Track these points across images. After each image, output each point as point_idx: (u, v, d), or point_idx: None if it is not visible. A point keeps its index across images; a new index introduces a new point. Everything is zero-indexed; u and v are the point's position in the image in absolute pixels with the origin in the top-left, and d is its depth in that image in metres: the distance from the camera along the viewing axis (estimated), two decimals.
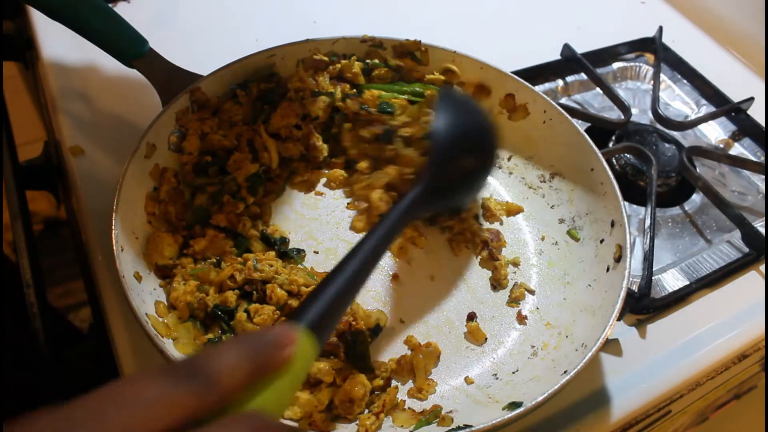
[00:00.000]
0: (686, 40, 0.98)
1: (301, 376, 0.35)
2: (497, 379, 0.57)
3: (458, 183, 0.61)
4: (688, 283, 0.69)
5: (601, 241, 0.64)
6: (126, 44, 0.63)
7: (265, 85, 0.69)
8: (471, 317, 0.61)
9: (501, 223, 0.69)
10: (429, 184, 0.57)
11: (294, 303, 0.57)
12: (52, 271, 1.33)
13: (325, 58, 0.71)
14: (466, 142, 0.61)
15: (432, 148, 0.59)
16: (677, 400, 0.62)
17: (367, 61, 0.73)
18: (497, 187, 0.73)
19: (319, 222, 0.67)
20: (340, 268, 0.43)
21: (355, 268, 0.43)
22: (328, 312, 0.39)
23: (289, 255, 0.62)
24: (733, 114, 0.89)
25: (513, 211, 0.70)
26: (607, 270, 0.61)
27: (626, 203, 0.70)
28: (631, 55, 0.95)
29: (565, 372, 0.51)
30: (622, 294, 0.55)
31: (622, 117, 0.83)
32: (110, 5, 0.66)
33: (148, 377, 0.28)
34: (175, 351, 0.52)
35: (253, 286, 0.57)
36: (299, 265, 0.62)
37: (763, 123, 0.87)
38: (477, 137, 0.63)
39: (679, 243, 0.74)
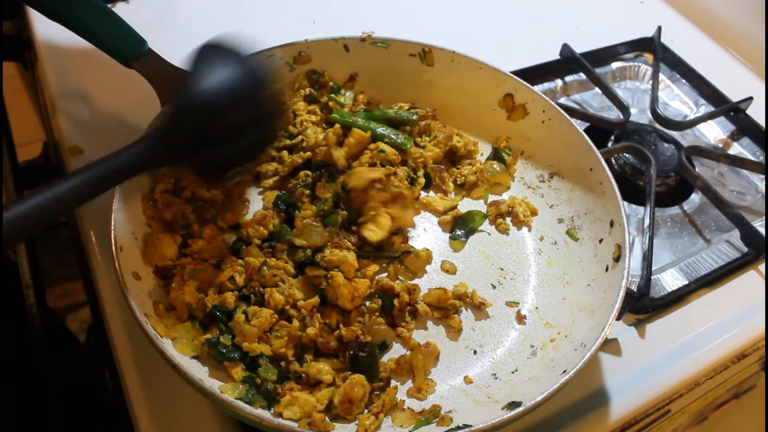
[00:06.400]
0: (685, 40, 0.99)
1: None
2: (496, 378, 0.57)
3: (209, 139, 0.54)
4: (687, 282, 0.69)
5: (600, 241, 0.63)
6: (125, 45, 0.63)
7: None
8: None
9: (530, 229, 0.69)
10: (160, 139, 0.54)
11: (291, 311, 0.57)
12: (51, 271, 1.33)
13: (307, 91, 0.73)
14: (221, 96, 0.54)
15: (174, 99, 0.55)
16: (676, 399, 0.62)
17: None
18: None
19: None
20: (47, 186, 0.48)
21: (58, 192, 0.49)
22: (19, 216, 0.44)
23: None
24: (732, 114, 0.89)
25: (533, 212, 0.70)
26: (606, 270, 0.61)
27: (625, 203, 0.70)
28: (630, 55, 0.95)
29: (564, 372, 0.51)
30: (621, 293, 0.55)
31: (621, 117, 0.83)
32: (109, 6, 0.66)
33: None
34: (174, 351, 0.52)
35: (251, 289, 0.57)
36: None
37: (762, 122, 0.87)
38: (239, 93, 0.55)
39: (678, 243, 0.74)
